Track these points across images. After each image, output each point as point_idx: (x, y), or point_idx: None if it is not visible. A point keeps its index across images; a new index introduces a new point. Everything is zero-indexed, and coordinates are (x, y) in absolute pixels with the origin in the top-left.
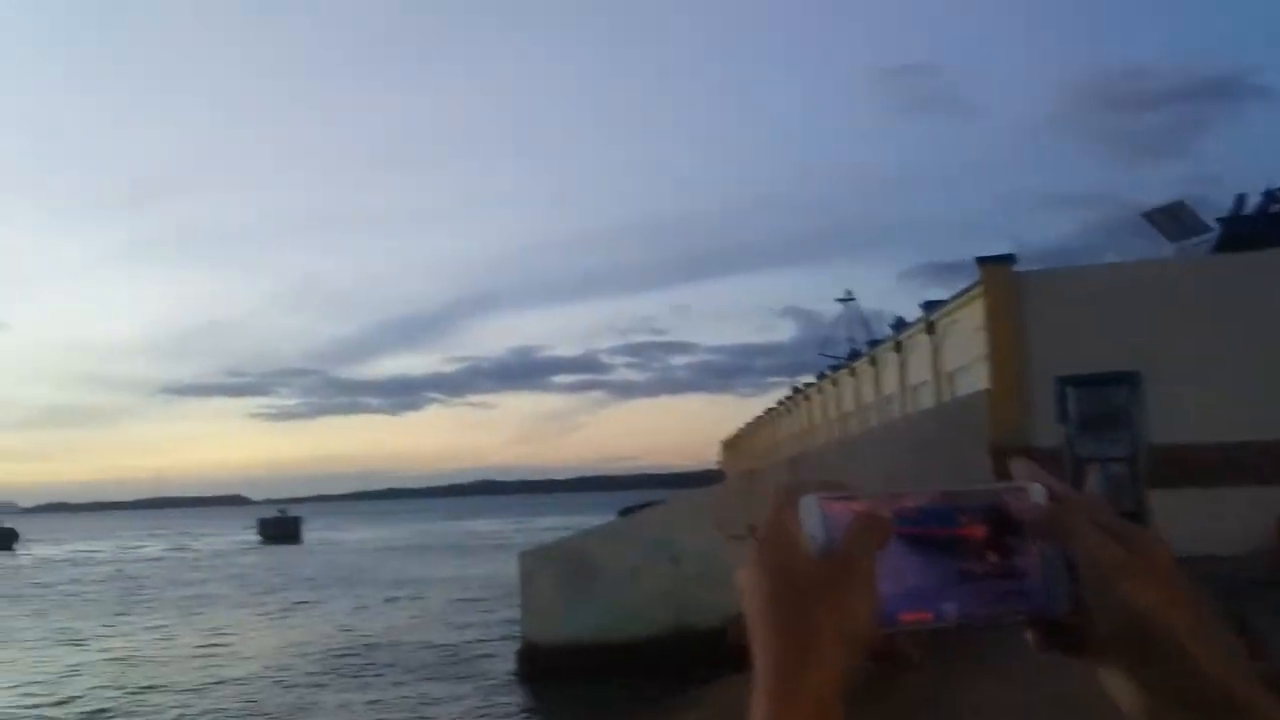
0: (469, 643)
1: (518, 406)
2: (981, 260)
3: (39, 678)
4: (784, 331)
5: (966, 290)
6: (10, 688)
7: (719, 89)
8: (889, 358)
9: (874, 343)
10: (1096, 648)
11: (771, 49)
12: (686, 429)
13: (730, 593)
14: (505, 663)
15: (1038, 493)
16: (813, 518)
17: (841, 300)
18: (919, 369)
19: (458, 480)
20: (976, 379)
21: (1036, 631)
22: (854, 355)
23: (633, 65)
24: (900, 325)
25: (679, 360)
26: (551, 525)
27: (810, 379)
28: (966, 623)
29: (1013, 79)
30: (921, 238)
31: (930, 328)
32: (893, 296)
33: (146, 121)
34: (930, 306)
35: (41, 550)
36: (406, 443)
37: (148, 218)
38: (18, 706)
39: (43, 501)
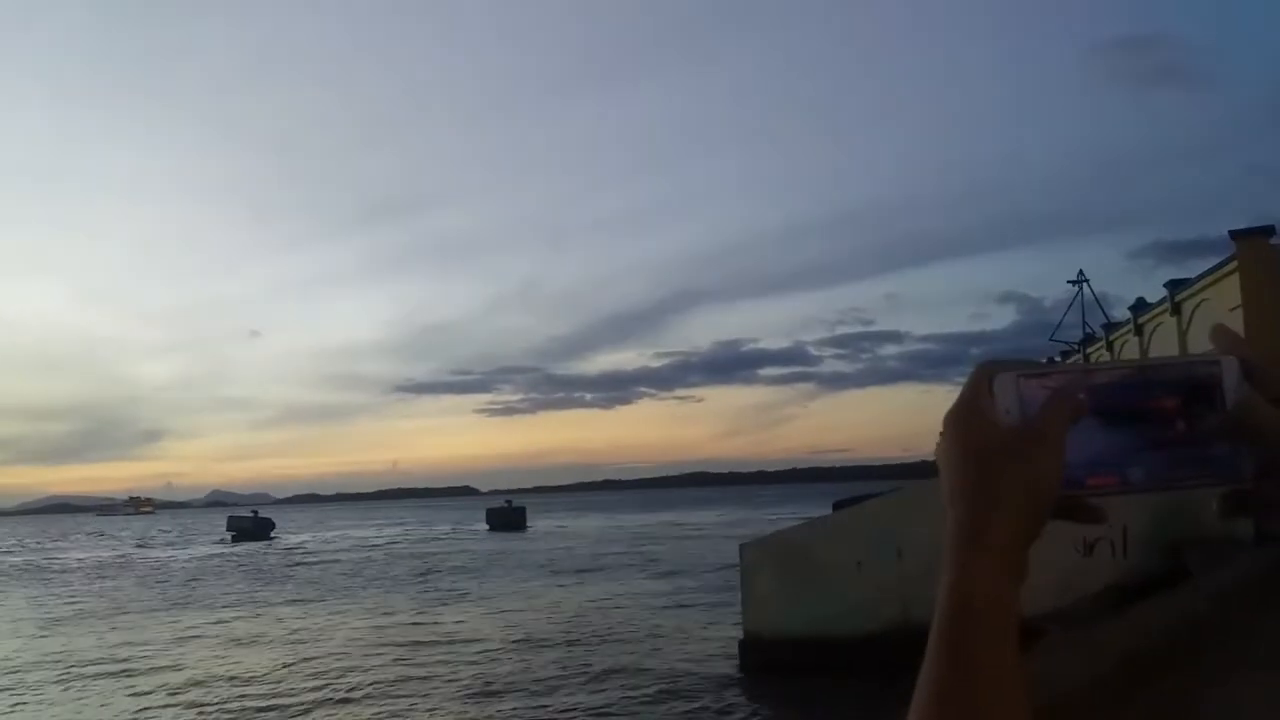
0: (691, 630)
1: (726, 399)
2: (1236, 233)
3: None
4: (1001, 318)
5: (1218, 266)
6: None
7: (930, 71)
8: (1129, 342)
9: (1110, 326)
10: None
11: (984, 25)
12: (898, 420)
13: None
14: (728, 651)
15: (1231, 366)
16: (1009, 394)
17: (1073, 282)
18: (1164, 353)
19: (670, 472)
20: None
21: (1223, 498)
22: (1087, 340)
23: (839, 52)
24: (1141, 307)
25: (889, 350)
26: (766, 517)
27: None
28: (1152, 487)
29: (1249, 45)
30: (1152, 217)
31: (1176, 308)
32: (1122, 279)
33: (382, 145)
34: (1175, 285)
35: (318, 535)
36: (620, 436)
37: (382, 231)
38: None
39: (294, 493)
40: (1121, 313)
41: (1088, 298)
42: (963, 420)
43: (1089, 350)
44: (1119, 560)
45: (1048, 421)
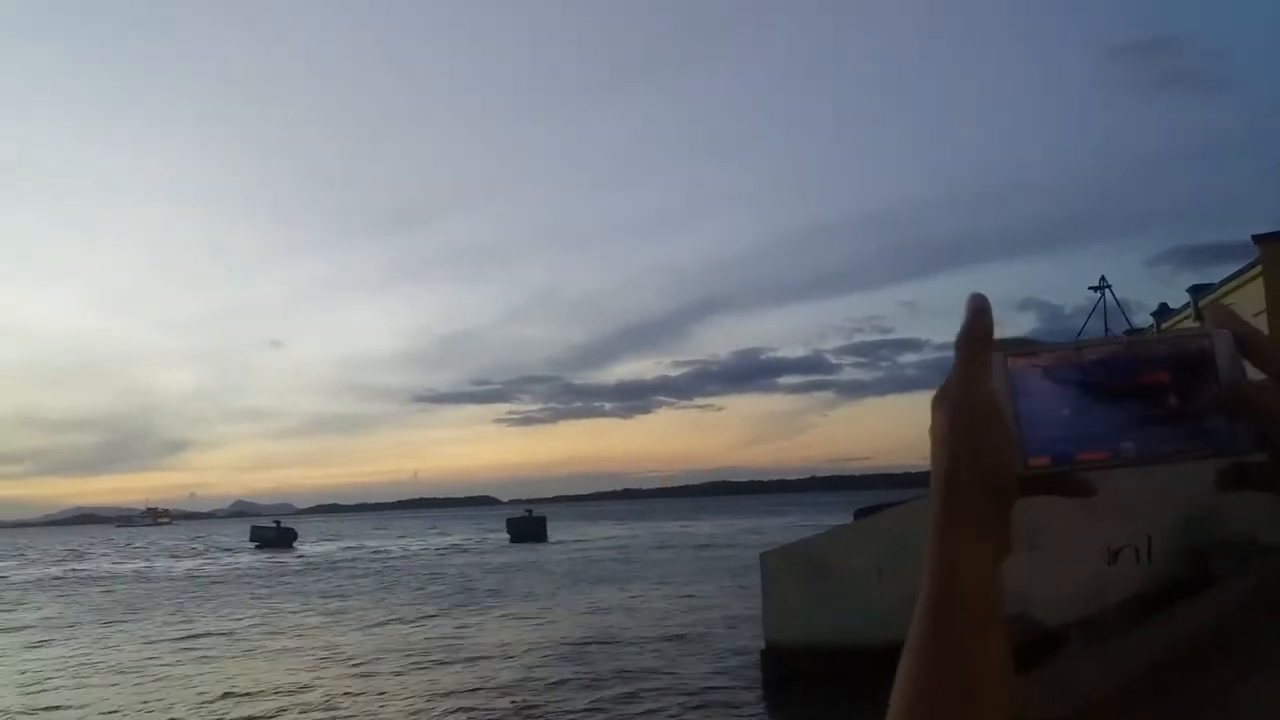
0: (712, 639)
1: (746, 408)
2: (1260, 237)
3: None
4: (1021, 325)
5: (1242, 271)
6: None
7: (947, 77)
8: None
9: (1132, 333)
10: None
11: (999, 30)
12: (918, 428)
13: None
14: (749, 661)
15: (1224, 340)
16: (998, 374)
17: (1095, 288)
18: None
19: (690, 481)
20: (1253, 369)
21: (1221, 471)
22: None
23: (856, 56)
24: (1164, 312)
25: (908, 358)
26: (787, 525)
27: None
28: (1144, 460)
29: (1264, 48)
30: (1171, 222)
31: (1199, 314)
32: (1142, 285)
33: (401, 153)
34: (1197, 290)
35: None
36: (640, 445)
37: (401, 240)
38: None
39: (316, 503)
40: (1143, 319)
41: (1109, 304)
42: (957, 386)
43: None
44: (1144, 568)
45: (965, 376)
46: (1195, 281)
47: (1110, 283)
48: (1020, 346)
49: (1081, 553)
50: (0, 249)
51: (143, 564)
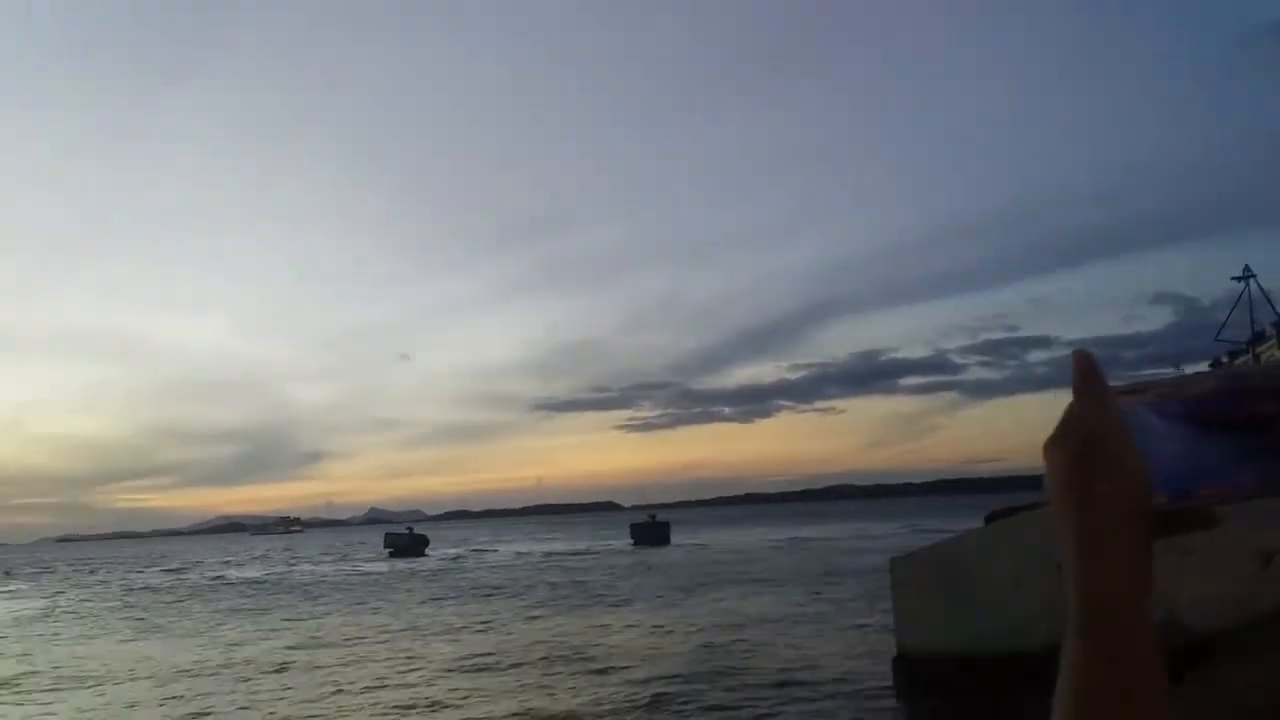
0: (841, 646)
1: (867, 410)
2: None
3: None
4: (1156, 320)
5: None
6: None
7: (1067, 68)
8: None
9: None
10: None
11: (1123, 17)
12: (1051, 428)
13: None
14: (880, 669)
15: None
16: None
17: (1239, 278)
18: None
19: (813, 485)
20: None
21: None
22: (1257, 339)
23: (975, 51)
24: None
25: (1036, 356)
26: (914, 529)
27: (1201, 369)
28: (1265, 491)
29: None
30: None
31: None
32: None
33: (520, 167)
34: None
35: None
36: (760, 449)
37: (522, 252)
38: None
39: (445, 510)
40: None
41: (1254, 295)
42: (1059, 439)
43: (1259, 350)
44: None
45: (1092, 410)
46: None
47: (1255, 272)
48: (1127, 386)
49: (1234, 556)
50: (155, 276)
51: (347, 565)
